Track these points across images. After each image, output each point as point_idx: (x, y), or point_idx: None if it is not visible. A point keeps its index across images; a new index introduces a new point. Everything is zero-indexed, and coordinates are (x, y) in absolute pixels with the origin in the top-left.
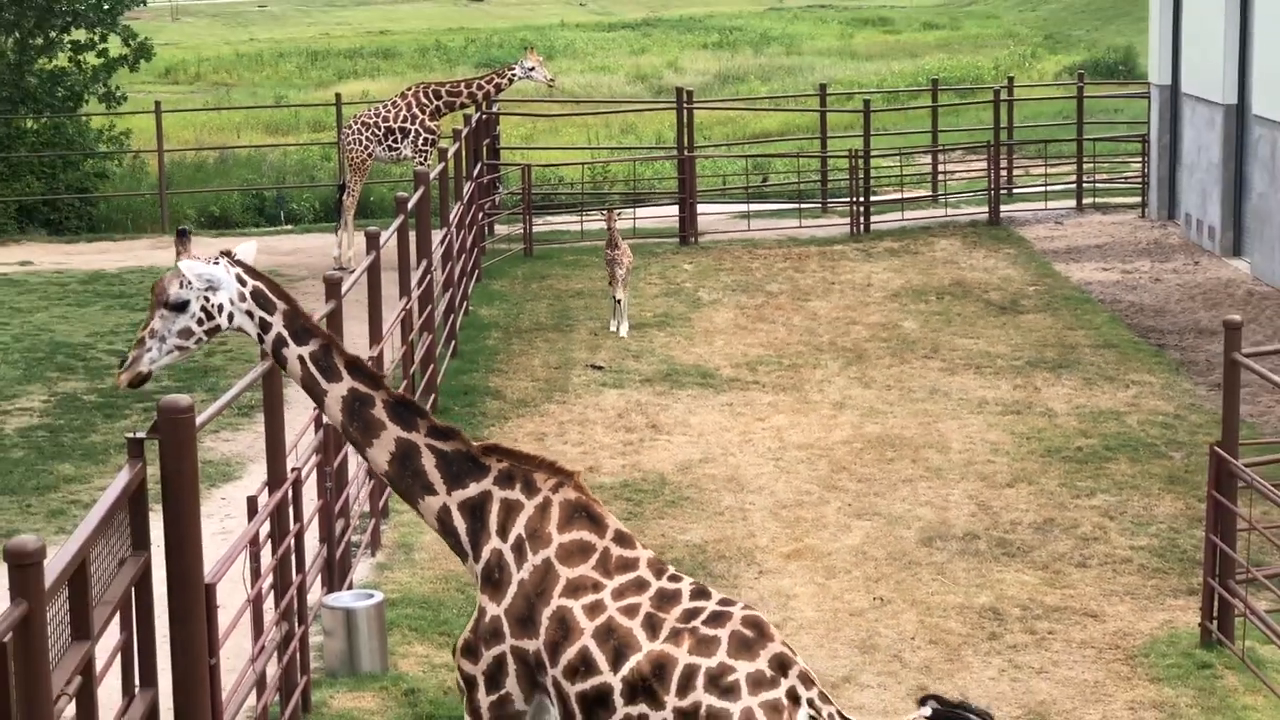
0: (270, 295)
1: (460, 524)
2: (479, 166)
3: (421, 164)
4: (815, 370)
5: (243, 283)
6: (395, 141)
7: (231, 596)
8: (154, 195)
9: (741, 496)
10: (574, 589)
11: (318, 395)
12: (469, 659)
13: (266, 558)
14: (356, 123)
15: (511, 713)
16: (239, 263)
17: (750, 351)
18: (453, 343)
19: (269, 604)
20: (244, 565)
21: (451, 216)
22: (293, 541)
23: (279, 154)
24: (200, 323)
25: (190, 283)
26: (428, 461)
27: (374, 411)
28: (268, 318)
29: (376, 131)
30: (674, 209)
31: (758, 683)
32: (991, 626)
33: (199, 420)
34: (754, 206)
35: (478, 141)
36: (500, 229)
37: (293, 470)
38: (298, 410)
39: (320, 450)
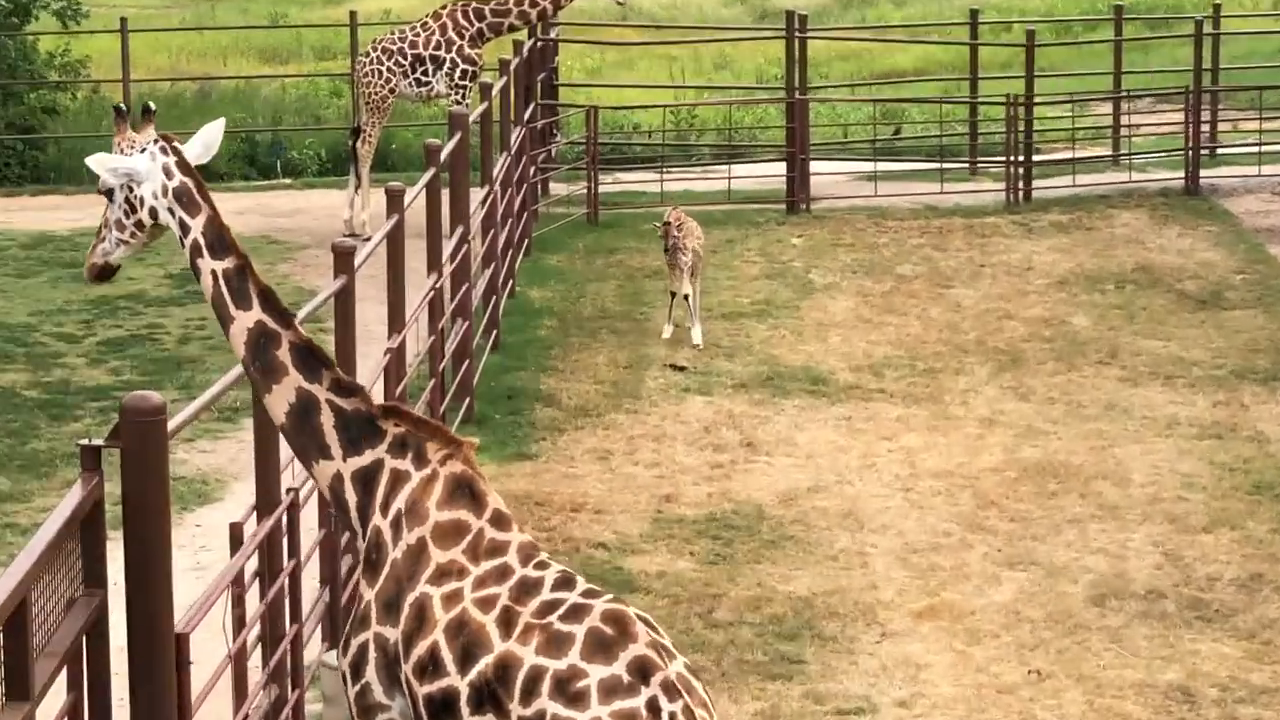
0: (196, 196)
1: (352, 496)
2: (531, 108)
3: (459, 103)
4: (958, 377)
5: (169, 175)
6: (425, 73)
7: (208, 650)
8: None
9: (861, 537)
10: (440, 574)
11: (224, 322)
12: (343, 654)
13: (253, 602)
14: (377, 49)
15: (373, 703)
16: (175, 150)
17: (875, 351)
18: (494, 333)
19: (255, 660)
20: (225, 611)
21: (495, 171)
22: (286, 582)
23: (276, 87)
24: (126, 215)
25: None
26: (326, 420)
27: (278, 353)
28: (188, 220)
29: (401, 61)
30: (780, 167)
31: (611, 690)
32: (1181, 711)
33: (172, 425)
34: (883, 165)
35: (530, 76)
36: (557, 188)
37: (288, 491)
38: None
39: None
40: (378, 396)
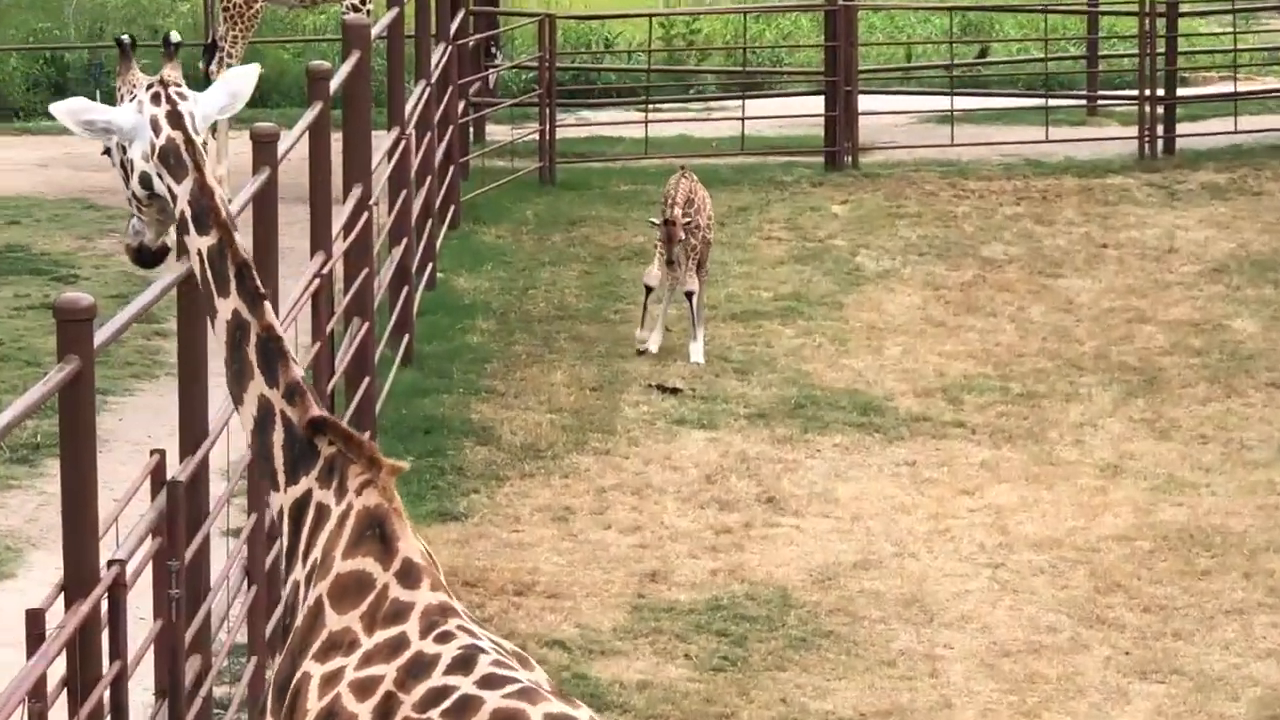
0: (184, 154)
1: (284, 539)
2: (461, 17)
3: (356, 10)
4: (1069, 405)
5: (155, 130)
6: None
7: None
8: None
9: (929, 634)
10: (328, 647)
11: (210, 317)
12: None
13: None
14: None
15: None
16: (170, 99)
17: (950, 367)
18: (406, 339)
19: None
20: None
21: (409, 108)
22: (107, 694)
23: None
24: (125, 181)
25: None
26: (277, 437)
27: (248, 349)
28: (174, 187)
29: None
30: (816, 103)
31: None
32: None
33: None
34: (963, 102)
35: None
36: (497, 132)
37: (110, 565)
38: (124, 452)
39: (160, 530)
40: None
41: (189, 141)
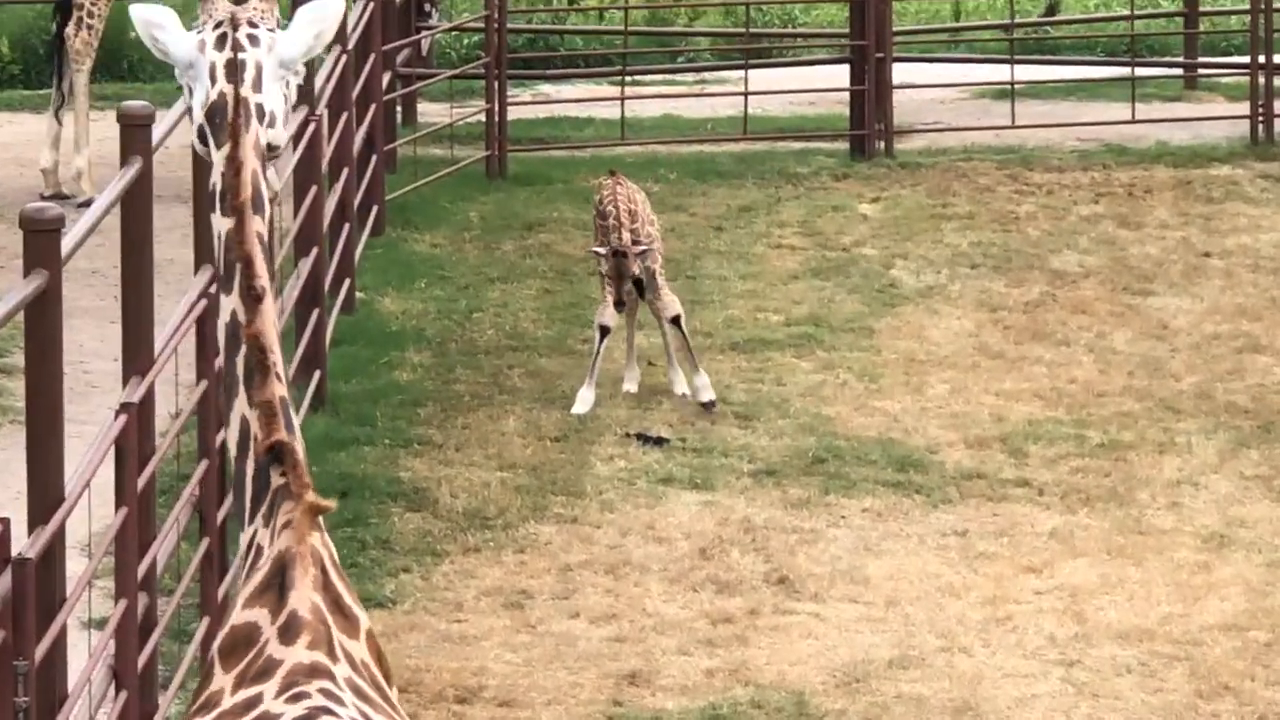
0: (231, 116)
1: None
2: None
3: None
4: (1163, 457)
5: (212, 79)
6: None
7: None
8: None
9: None
10: (202, 708)
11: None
12: None
13: None
14: None
15: None
16: (237, 44)
17: (1011, 411)
18: (316, 375)
19: None
20: None
21: (319, 82)
22: None
23: None
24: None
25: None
26: (250, 466)
27: (237, 360)
28: (212, 152)
29: None
30: (840, 73)
31: None
32: None
33: None
34: (1024, 73)
35: None
36: (432, 112)
37: None
38: None
39: (3, 620)
40: (105, 496)
41: (238, 101)
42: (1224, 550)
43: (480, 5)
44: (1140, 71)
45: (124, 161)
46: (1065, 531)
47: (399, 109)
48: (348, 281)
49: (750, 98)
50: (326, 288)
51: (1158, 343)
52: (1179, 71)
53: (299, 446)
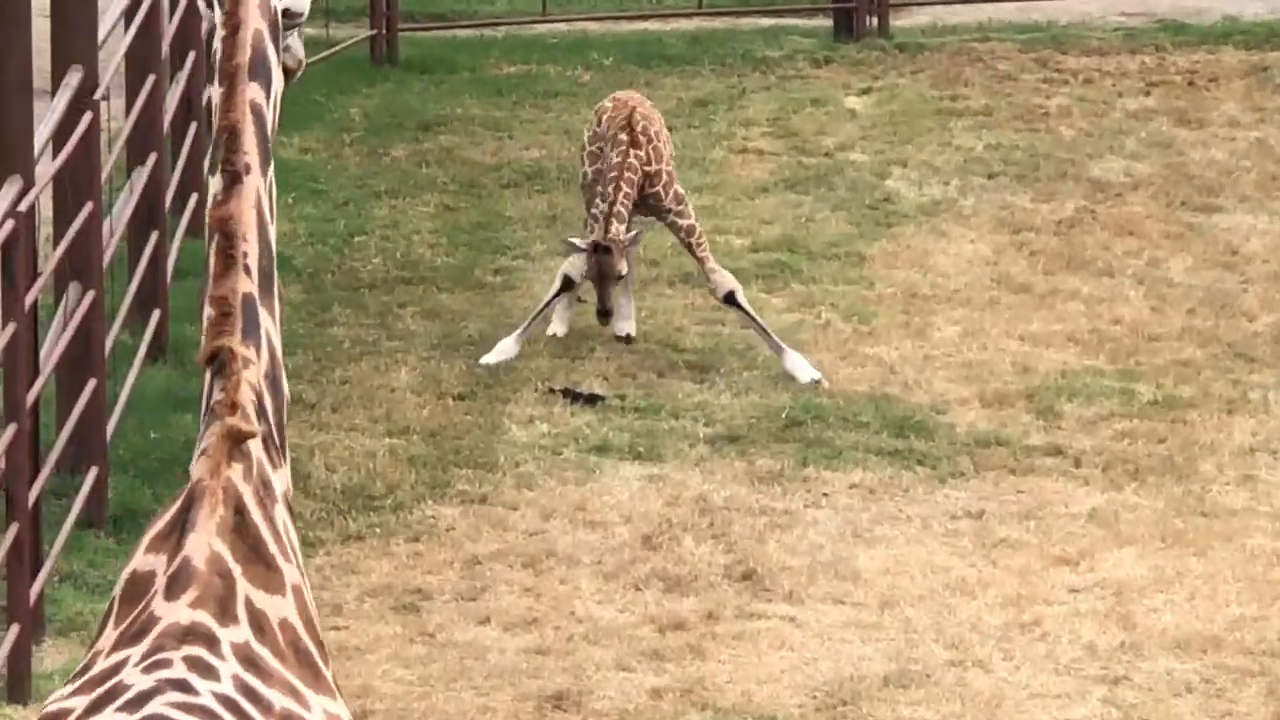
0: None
1: None
2: None
3: None
4: (1232, 418)
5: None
6: None
7: None
8: None
9: None
10: (82, 669)
11: None
12: None
13: None
14: None
15: None
16: None
17: (1039, 359)
18: (155, 316)
19: None
20: None
21: None
22: None
23: None
24: None
25: None
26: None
27: (209, 253)
28: (212, 13)
29: None
30: None
31: None
32: None
33: None
34: None
35: None
36: None
37: None
38: None
39: None
40: None
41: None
42: None
43: None
44: None
45: None
46: (1108, 513)
47: None
48: (194, 196)
49: None
50: (168, 204)
51: (1226, 272)
52: None
53: (254, 354)
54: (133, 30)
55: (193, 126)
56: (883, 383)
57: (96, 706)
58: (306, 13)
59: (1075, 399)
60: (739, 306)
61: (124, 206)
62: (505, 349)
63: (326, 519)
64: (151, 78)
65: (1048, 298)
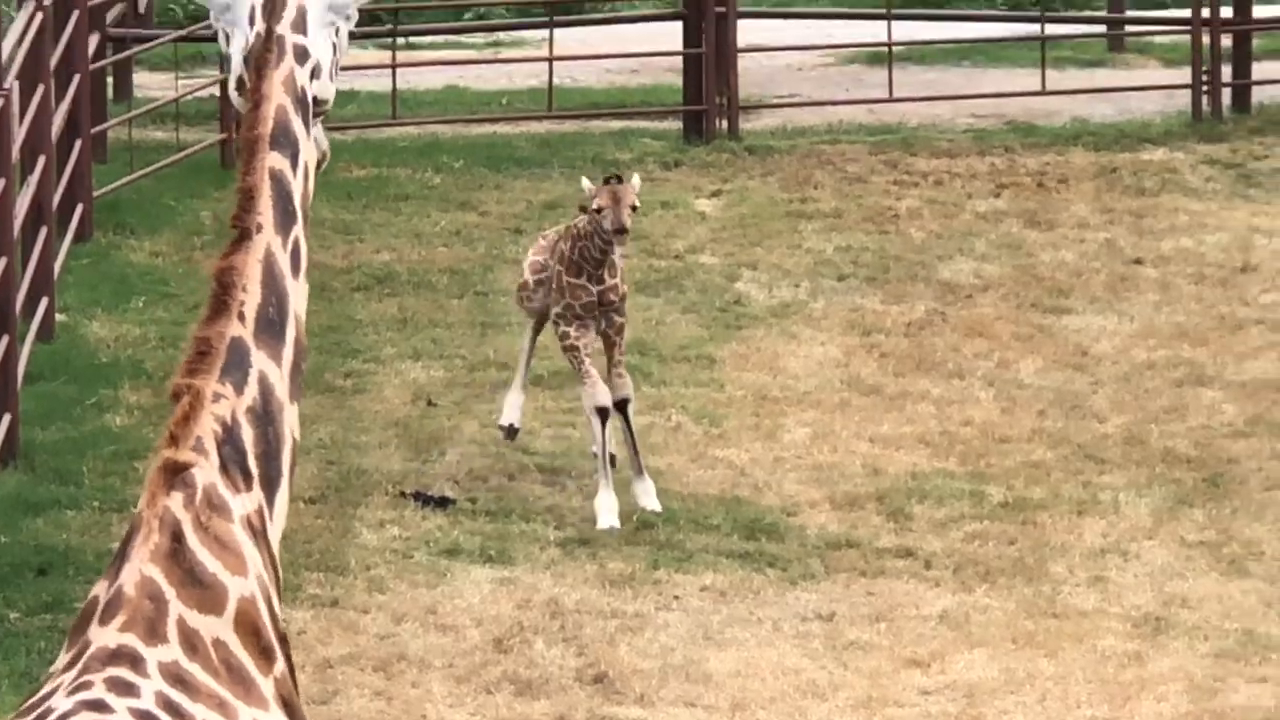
0: (263, 50)
1: None
2: None
3: None
4: (1083, 520)
5: (251, 22)
6: None
7: None
8: None
9: None
10: (30, 695)
11: None
12: None
13: None
14: None
15: None
16: None
17: (890, 461)
18: (4, 421)
19: None
20: None
21: (8, 48)
22: None
23: None
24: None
25: None
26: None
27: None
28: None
29: None
30: (670, 33)
31: None
32: None
33: None
34: (905, 31)
35: None
36: (151, 84)
37: None
38: None
39: None
40: None
41: (270, 35)
42: (1160, 637)
43: None
44: (1052, 29)
45: None
46: (959, 614)
47: (110, 81)
48: (45, 300)
49: (556, 64)
50: (18, 308)
51: (1076, 373)
52: (1101, 29)
53: (231, 392)
54: None
55: (42, 231)
56: (733, 485)
57: None
58: (331, 100)
59: (925, 501)
60: (627, 416)
61: None
62: (607, 505)
63: None
64: (1, 181)
65: (898, 399)
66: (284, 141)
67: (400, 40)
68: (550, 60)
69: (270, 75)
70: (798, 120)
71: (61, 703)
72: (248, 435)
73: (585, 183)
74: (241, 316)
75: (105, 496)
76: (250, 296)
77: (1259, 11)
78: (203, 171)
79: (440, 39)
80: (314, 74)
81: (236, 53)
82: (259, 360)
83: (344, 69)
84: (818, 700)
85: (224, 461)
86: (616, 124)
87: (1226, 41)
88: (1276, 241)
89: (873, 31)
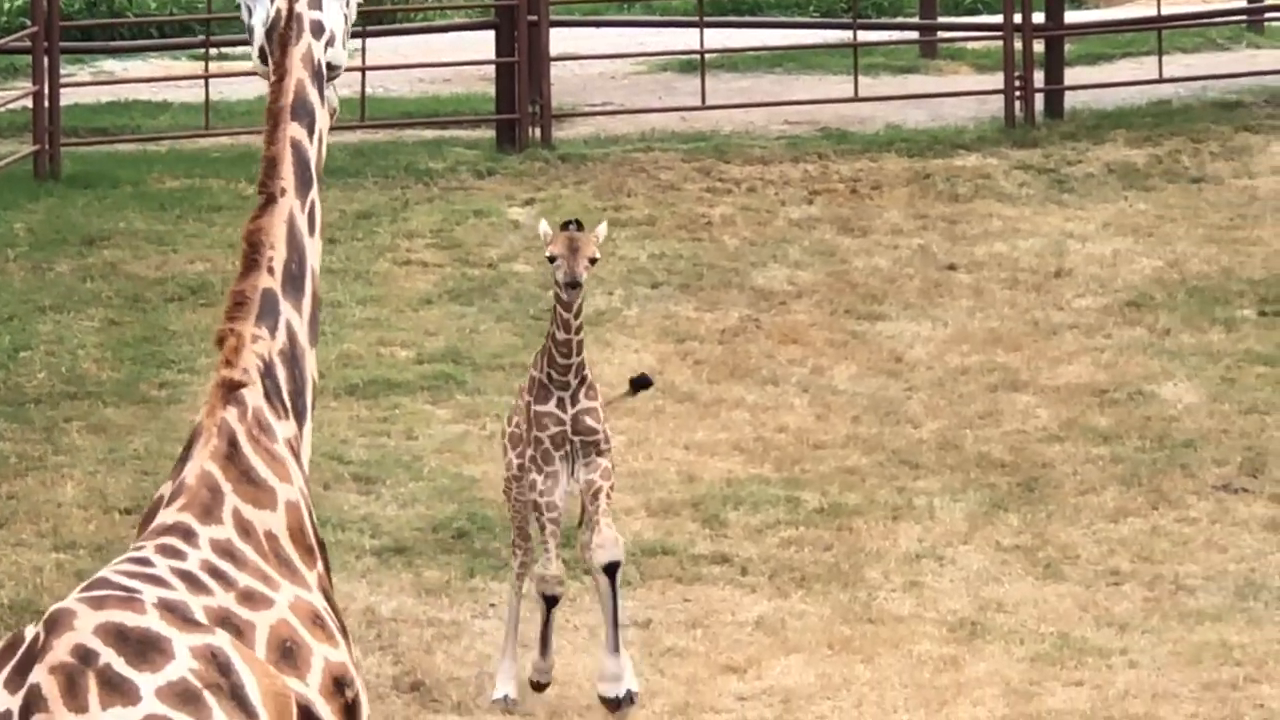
0: (283, 27)
1: None
2: None
3: None
4: (898, 525)
5: None
6: None
7: None
8: None
9: None
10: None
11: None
12: None
13: None
14: None
15: None
16: None
17: (704, 468)
18: None
19: None
20: None
21: None
22: None
23: None
24: (253, 47)
25: None
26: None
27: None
28: (263, 68)
29: None
30: (481, 42)
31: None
32: None
33: None
34: (716, 38)
35: None
36: None
37: None
38: None
39: None
40: None
41: (291, 13)
42: (976, 641)
43: None
44: (865, 36)
45: None
46: (775, 620)
47: None
48: None
49: (368, 74)
50: None
51: (890, 380)
52: (914, 35)
53: (267, 335)
54: None
55: None
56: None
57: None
58: (344, 66)
59: (741, 507)
60: (615, 582)
61: None
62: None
63: None
64: None
65: (712, 406)
66: (302, 112)
67: (213, 51)
68: (363, 70)
69: (291, 51)
70: (610, 129)
71: (113, 566)
72: (281, 373)
73: (543, 226)
74: (270, 270)
75: None
76: (277, 253)
77: (1071, 17)
78: (15, 183)
79: (231, 49)
80: (329, 44)
81: (258, 25)
82: (286, 309)
83: (158, 80)
84: (635, 707)
85: (266, 391)
86: (430, 133)
87: (1039, 47)
88: (1090, 246)
89: (685, 39)
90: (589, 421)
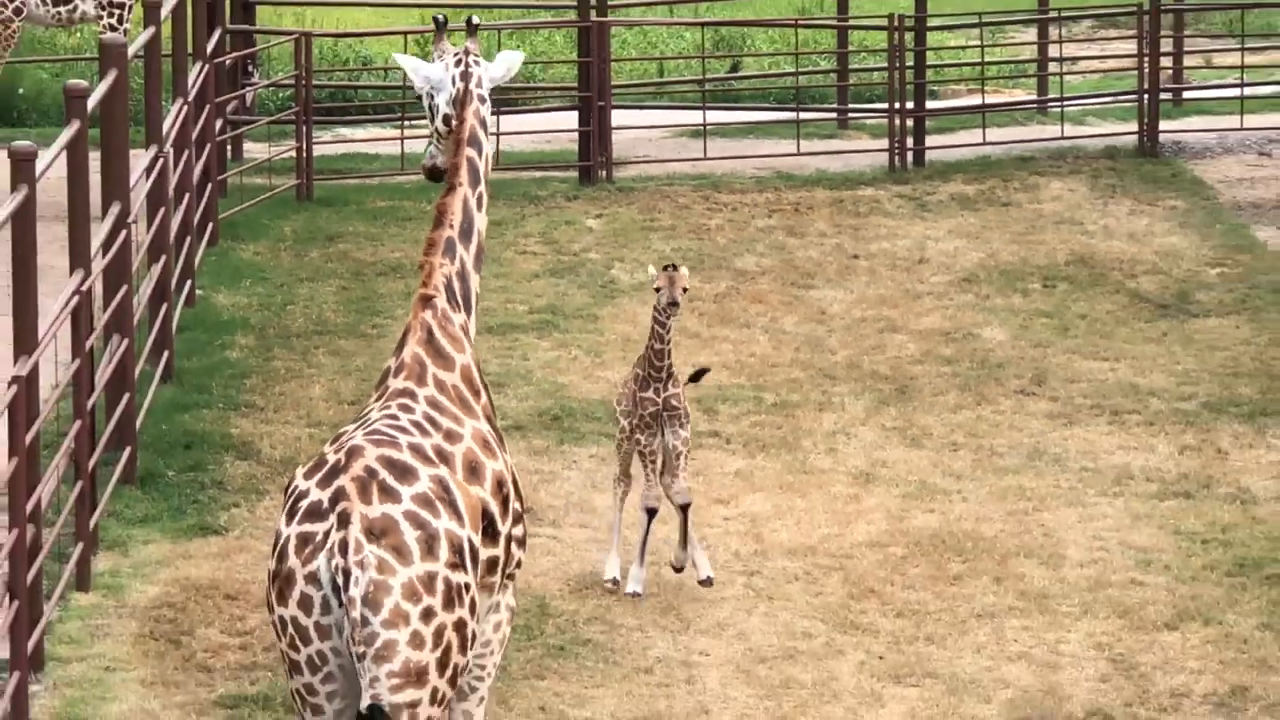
0: (462, 99)
1: None
2: (218, 36)
3: (114, 29)
4: (822, 414)
5: (454, 84)
6: None
7: None
8: None
9: (685, 641)
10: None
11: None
12: None
13: None
14: None
15: None
16: (467, 65)
17: (705, 379)
18: (165, 355)
19: None
20: None
21: (167, 126)
22: None
23: None
24: (431, 119)
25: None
26: None
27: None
28: (441, 128)
29: None
30: (570, 118)
31: (311, 513)
32: None
33: None
34: (714, 116)
35: None
36: (255, 150)
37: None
38: None
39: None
40: (1, 450)
41: (466, 92)
42: (869, 485)
43: (292, 66)
44: (803, 115)
45: (13, 188)
46: (746, 471)
47: (229, 147)
48: (189, 282)
49: (501, 137)
50: (173, 287)
51: (818, 325)
52: (834, 115)
53: (450, 263)
54: (150, 180)
55: (187, 240)
56: (608, 394)
57: (347, 432)
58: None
59: (726, 402)
60: (686, 514)
61: (146, 287)
62: (635, 576)
63: (270, 478)
64: (162, 209)
65: (710, 341)
66: (474, 142)
67: (406, 123)
68: (498, 135)
69: (467, 109)
70: (649, 171)
71: (374, 415)
72: (457, 286)
73: (651, 269)
74: (451, 226)
75: (226, 400)
76: (454, 217)
77: (930, 104)
78: (284, 203)
79: (423, 123)
80: (487, 105)
81: (443, 104)
82: (459, 249)
83: (372, 140)
84: (660, 523)
85: (448, 296)
86: (538, 174)
87: (910, 123)
88: (940, 244)
89: (694, 116)
90: (674, 402)
